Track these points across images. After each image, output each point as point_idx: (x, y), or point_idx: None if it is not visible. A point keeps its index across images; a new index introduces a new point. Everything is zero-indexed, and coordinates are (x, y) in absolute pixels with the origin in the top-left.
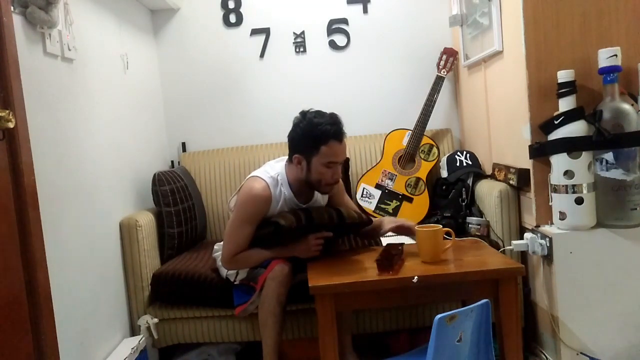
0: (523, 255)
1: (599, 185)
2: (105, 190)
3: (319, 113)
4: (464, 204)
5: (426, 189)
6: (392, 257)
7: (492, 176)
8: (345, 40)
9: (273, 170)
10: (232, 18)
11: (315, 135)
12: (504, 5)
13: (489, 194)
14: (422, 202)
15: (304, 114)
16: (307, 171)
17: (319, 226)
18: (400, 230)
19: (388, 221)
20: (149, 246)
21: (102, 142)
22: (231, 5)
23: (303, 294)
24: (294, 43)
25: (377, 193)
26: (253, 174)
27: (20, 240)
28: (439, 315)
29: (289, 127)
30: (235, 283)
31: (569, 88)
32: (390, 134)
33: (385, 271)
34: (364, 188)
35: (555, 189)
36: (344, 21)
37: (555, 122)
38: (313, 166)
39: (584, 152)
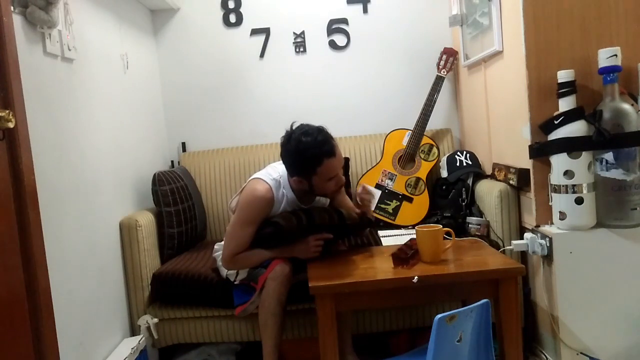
0: (523, 255)
1: (599, 185)
2: (105, 190)
3: (304, 132)
4: (464, 204)
5: (426, 189)
6: (409, 252)
7: (492, 176)
8: (345, 40)
9: (275, 172)
10: (232, 18)
11: (307, 160)
12: (504, 5)
13: (489, 193)
14: (422, 202)
15: (289, 135)
16: (309, 187)
17: (320, 227)
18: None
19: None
20: (149, 246)
21: (102, 142)
22: (231, 5)
23: (303, 294)
24: (294, 43)
25: (377, 193)
26: (255, 175)
27: (20, 240)
28: (439, 315)
29: (289, 127)
30: (235, 283)
31: (569, 88)
32: (390, 134)
33: (401, 265)
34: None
35: (555, 189)
36: (344, 21)
37: (555, 122)
38: (315, 184)
39: (584, 152)
